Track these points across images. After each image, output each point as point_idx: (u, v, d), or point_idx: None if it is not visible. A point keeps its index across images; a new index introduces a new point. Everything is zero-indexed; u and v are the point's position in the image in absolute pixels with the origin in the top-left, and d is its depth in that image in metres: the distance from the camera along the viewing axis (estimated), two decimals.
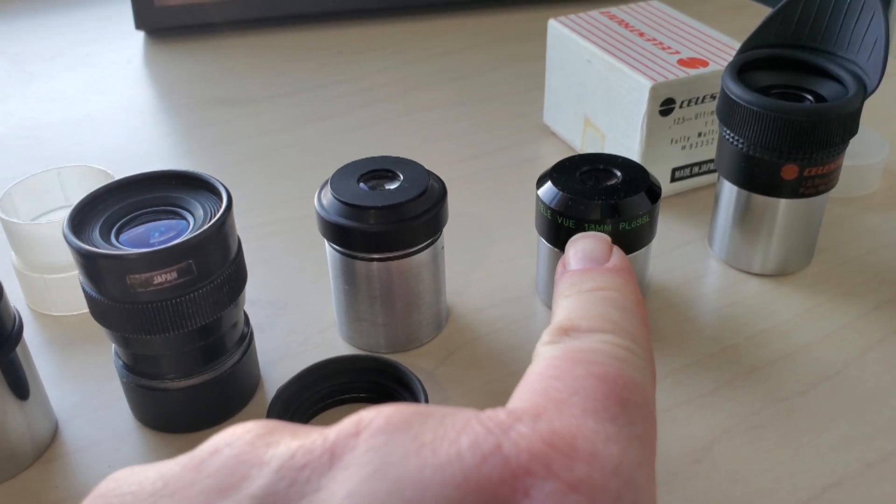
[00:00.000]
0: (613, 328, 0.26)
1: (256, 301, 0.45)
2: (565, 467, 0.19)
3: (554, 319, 0.27)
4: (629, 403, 0.23)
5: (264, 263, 0.48)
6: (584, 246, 0.31)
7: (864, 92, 0.41)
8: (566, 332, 0.26)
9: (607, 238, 0.32)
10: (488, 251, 0.49)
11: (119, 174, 0.36)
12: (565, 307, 0.28)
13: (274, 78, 0.70)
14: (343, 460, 0.19)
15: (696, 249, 0.48)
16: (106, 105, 0.66)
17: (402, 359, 0.41)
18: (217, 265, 0.34)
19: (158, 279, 0.32)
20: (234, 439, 0.21)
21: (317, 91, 0.67)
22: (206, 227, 0.33)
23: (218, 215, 0.34)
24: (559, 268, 0.31)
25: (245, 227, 0.51)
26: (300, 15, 0.79)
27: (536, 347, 0.26)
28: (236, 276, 0.35)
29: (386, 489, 0.18)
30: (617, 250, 0.31)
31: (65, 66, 0.73)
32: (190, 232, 0.34)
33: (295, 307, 0.45)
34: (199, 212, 0.35)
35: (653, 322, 0.43)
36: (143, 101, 0.67)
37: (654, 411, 0.24)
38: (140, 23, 0.76)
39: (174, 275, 0.33)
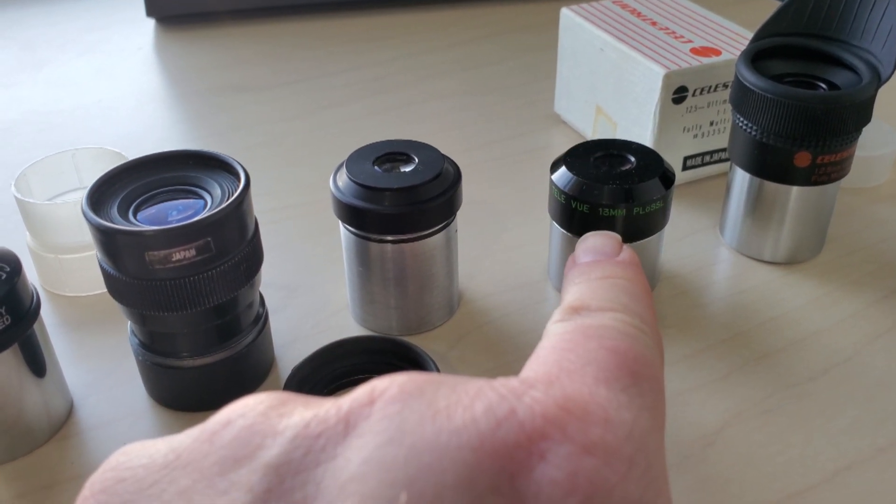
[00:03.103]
0: (623, 308, 0.26)
1: (270, 284, 0.45)
2: (580, 430, 0.19)
3: (563, 301, 0.28)
4: (640, 376, 0.23)
5: (278, 247, 0.48)
6: (594, 242, 0.32)
7: (879, 80, 0.41)
8: (577, 310, 0.26)
9: (617, 236, 0.32)
10: (500, 237, 0.49)
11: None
12: (574, 291, 0.28)
13: (285, 66, 0.70)
14: (358, 428, 0.19)
15: (708, 237, 0.48)
16: (117, 92, 0.67)
17: (414, 341, 0.41)
18: (235, 244, 0.34)
19: (176, 256, 0.33)
20: (248, 410, 0.21)
21: (328, 79, 0.68)
22: (224, 205, 0.33)
23: (237, 194, 0.34)
24: (569, 263, 0.31)
25: (258, 212, 0.50)
26: (312, 4, 0.79)
27: (547, 326, 0.26)
28: (253, 255, 0.36)
29: (403, 455, 0.19)
30: (627, 247, 0.31)
31: (76, 53, 0.73)
32: (208, 210, 0.34)
33: (308, 290, 0.45)
34: (217, 191, 0.35)
35: (665, 308, 0.43)
36: (154, 88, 0.67)
37: (662, 386, 0.24)
38: (151, 10, 0.76)
39: (192, 252, 0.33)
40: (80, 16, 0.80)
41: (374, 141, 0.41)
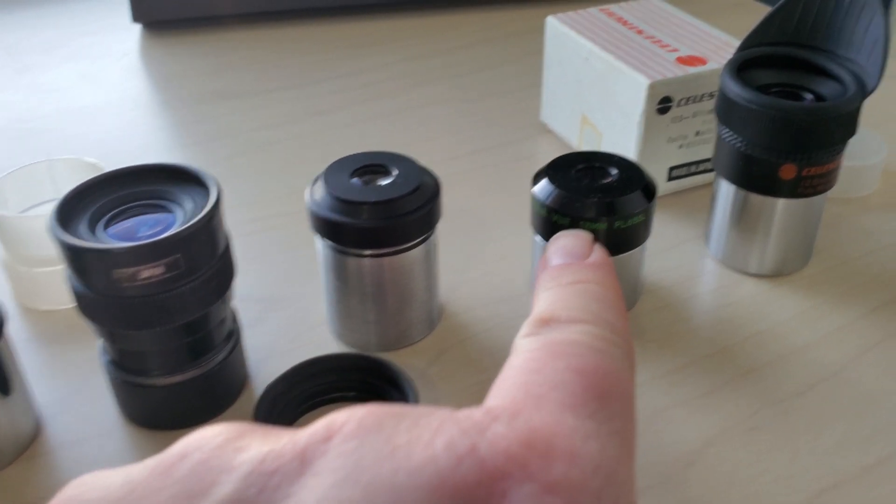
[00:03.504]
0: (593, 318, 0.25)
1: (248, 297, 0.44)
2: (542, 468, 0.19)
3: (534, 311, 0.27)
4: (608, 397, 0.22)
5: (257, 259, 0.47)
6: (565, 243, 0.31)
7: (864, 92, 0.41)
8: (546, 322, 0.26)
9: (589, 235, 0.32)
10: (484, 248, 0.48)
11: (111, 167, 0.36)
12: (545, 299, 0.28)
13: (271, 72, 0.69)
14: (314, 465, 0.19)
15: (693, 249, 0.47)
16: (101, 98, 0.66)
17: (393, 357, 0.40)
18: (205, 260, 0.34)
19: (145, 273, 0.32)
20: (204, 443, 0.20)
21: (314, 86, 0.67)
22: (193, 221, 0.32)
23: (206, 210, 0.33)
24: (540, 265, 0.31)
25: (239, 222, 0.50)
26: (299, 9, 0.78)
27: (515, 340, 0.26)
28: (224, 272, 0.35)
29: (358, 495, 0.18)
30: (598, 246, 0.31)
31: (61, 58, 0.72)
32: (178, 226, 0.33)
33: (286, 303, 0.44)
34: (189, 205, 0.34)
35: (648, 322, 0.43)
36: (139, 94, 0.66)
37: (633, 404, 0.23)
38: (137, 15, 0.75)
39: (161, 269, 0.32)
40: (66, 20, 0.80)
41: (359, 148, 0.40)
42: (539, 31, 0.58)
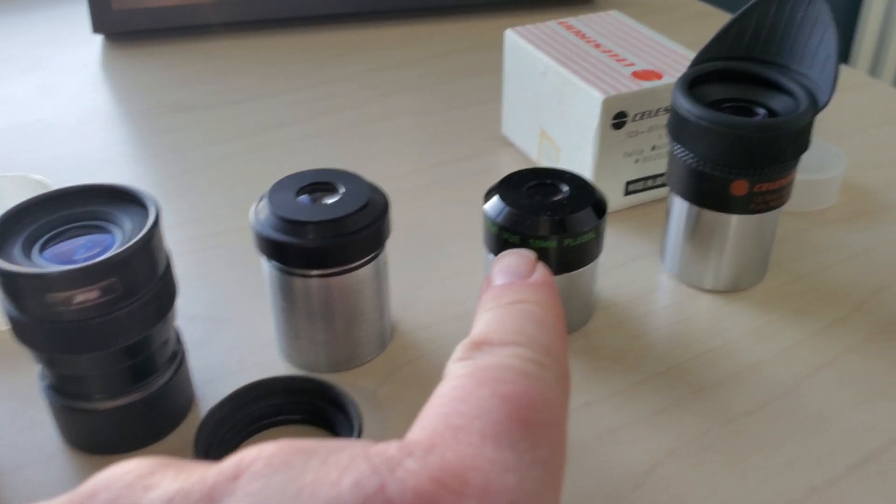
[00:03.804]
0: (527, 341, 0.25)
1: (195, 316, 0.44)
2: None
3: (471, 332, 0.27)
4: (533, 425, 0.22)
5: (205, 277, 0.47)
6: (509, 262, 0.31)
7: (816, 107, 0.40)
8: (478, 346, 0.25)
9: (532, 254, 0.31)
10: (439, 264, 0.48)
11: (63, 183, 0.35)
12: (482, 320, 0.27)
13: (234, 84, 0.68)
14: None
15: (649, 264, 0.47)
16: (59, 111, 0.65)
17: (343, 377, 0.40)
18: (144, 282, 0.33)
19: (80, 298, 0.31)
20: (113, 481, 0.20)
21: (275, 98, 0.66)
22: (130, 244, 0.32)
23: (144, 231, 0.32)
24: (484, 284, 0.30)
25: (188, 239, 0.49)
26: (261, 20, 0.77)
27: (447, 364, 0.25)
28: (165, 293, 0.34)
29: None
30: (541, 266, 0.30)
31: (19, 70, 0.71)
32: (115, 249, 0.32)
33: (234, 323, 0.43)
34: (128, 226, 0.34)
35: (600, 339, 0.42)
36: (98, 107, 0.66)
37: (563, 431, 0.23)
38: (98, 26, 0.74)
39: (97, 293, 0.31)
40: (26, 31, 0.79)
41: (317, 162, 0.40)
42: (501, 44, 0.58)
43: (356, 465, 0.19)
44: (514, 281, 0.30)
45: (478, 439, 0.21)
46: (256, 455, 0.19)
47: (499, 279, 0.30)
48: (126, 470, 0.20)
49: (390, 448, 0.20)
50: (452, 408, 0.22)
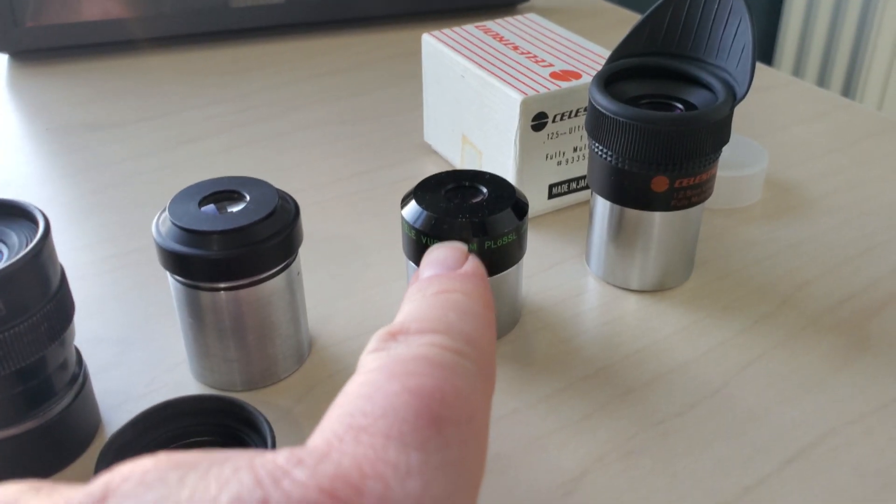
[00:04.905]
0: (446, 329, 0.23)
1: (105, 338, 0.41)
2: None
3: (392, 323, 0.25)
4: (445, 422, 0.20)
5: (118, 297, 0.44)
6: (438, 255, 0.29)
7: (734, 99, 0.40)
8: (394, 336, 0.23)
9: (463, 246, 0.30)
10: (361, 275, 0.46)
11: None
12: (404, 311, 0.25)
13: (144, 101, 0.66)
14: None
15: (574, 267, 0.46)
16: None
17: (259, 395, 0.38)
18: (33, 301, 0.31)
19: None
20: None
21: (189, 112, 0.64)
22: (12, 260, 0.30)
23: (31, 245, 0.30)
24: (413, 279, 0.28)
25: (101, 259, 0.47)
26: (173, 36, 0.75)
27: (360, 356, 0.23)
28: (58, 312, 0.32)
29: None
30: (472, 257, 0.29)
31: None
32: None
33: (144, 343, 0.41)
34: (14, 241, 0.32)
35: (526, 345, 0.41)
36: (4, 126, 0.63)
37: (482, 428, 0.21)
38: (3, 44, 0.72)
39: None
40: None
41: (233, 175, 0.38)
42: (420, 51, 0.57)
43: (238, 478, 0.17)
44: (442, 272, 0.28)
45: (381, 441, 0.19)
46: (128, 473, 0.17)
47: (427, 272, 0.28)
48: None
49: (279, 457, 0.18)
50: (357, 406, 0.20)
